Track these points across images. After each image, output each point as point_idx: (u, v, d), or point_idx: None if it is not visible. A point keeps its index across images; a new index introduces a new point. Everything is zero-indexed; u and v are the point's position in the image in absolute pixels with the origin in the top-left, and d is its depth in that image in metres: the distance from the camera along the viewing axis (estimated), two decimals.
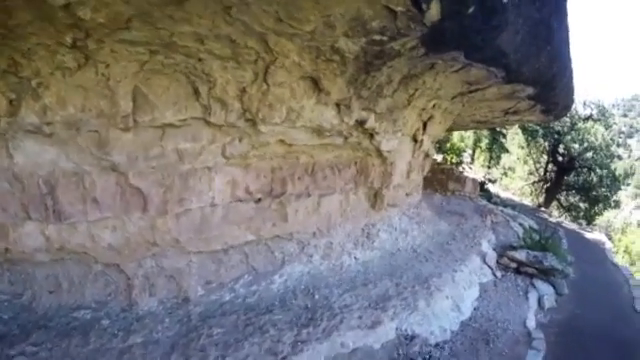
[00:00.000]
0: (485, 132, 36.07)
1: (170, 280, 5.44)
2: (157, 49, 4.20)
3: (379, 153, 8.28)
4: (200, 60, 4.48)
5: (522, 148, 28.54)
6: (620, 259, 23.50)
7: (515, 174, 31.26)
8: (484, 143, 39.70)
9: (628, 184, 29.36)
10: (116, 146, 4.56)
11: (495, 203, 20.63)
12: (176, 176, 5.07)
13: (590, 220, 25.82)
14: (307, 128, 6.04)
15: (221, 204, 5.73)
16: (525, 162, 28.92)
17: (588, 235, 18.70)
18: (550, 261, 10.27)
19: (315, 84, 5.56)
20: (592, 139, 24.53)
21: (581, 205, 26.69)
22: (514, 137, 29.56)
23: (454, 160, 36.31)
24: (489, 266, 10.05)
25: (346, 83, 5.68)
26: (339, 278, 7.10)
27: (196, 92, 4.79)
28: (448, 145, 38.02)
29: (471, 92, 8.30)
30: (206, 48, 4.28)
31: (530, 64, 6.57)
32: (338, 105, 6.09)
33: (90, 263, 5.02)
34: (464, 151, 50.37)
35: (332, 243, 7.50)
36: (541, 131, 25.20)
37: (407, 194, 10.91)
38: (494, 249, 11.38)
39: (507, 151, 32.37)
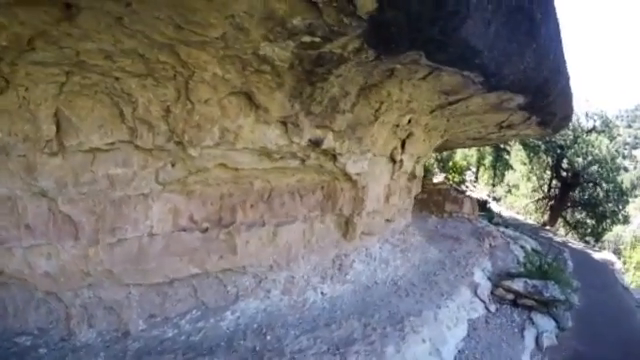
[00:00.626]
0: (489, 149, 35.34)
1: (110, 312, 5.04)
2: (71, 69, 3.89)
3: (347, 176, 7.37)
4: (117, 79, 4.10)
5: (524, 164, 27.36)
6: (631, 277, 22.13)
7: (519, 192, 29.99)
8: (488, 161, 38.88)
9: (636, 195, 27.88)
10: (44, 171, 4.27)
11: (496, 223, 19.46)
12: (108, 203, 4.67)
13: (598, 237, 24.47)
14: (251, 150, 5.37)
15: (161, 234, 5.21)
16: (528, 179, 27.71)
17: (596, 255, 17.41)
18: (551, 291, 9.09)
19: (250, 100, 4.88)
20: (596, 152, 23.33)
21: (588, 222, 25.36)
22: (517, 153, 28.39)
23: (456, 179, 35.40)
24: (481, 299, 8.90)
25: (288, 97, 4.98)
26: (300, 316, 6.28)
27: (121, 114, 4.39)
28: (450, 164, 37.18)
29: (451, 104, 7.29)
30: (118, 65, 3.92)
31: (513, 65, 5.57)
32: (284, 123, 5.35)
33: (31, 289, 4.72)
34: (468, 169, 49.61)
35: (294, 277, 6.75)
36: (543, 146, 24.06)
37: (388, 220, 9.86)
38: (489, 278, 10.23)
39: (511, 168, 31.22)
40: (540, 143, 23.99)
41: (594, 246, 22.58)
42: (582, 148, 23.49)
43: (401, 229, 11.22)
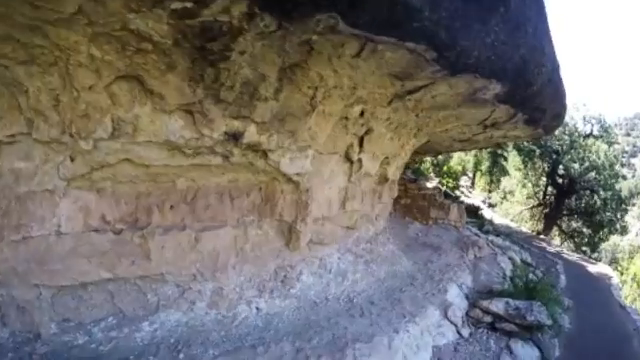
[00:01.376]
0: (486, 154, 34.05)
1: (23, 312, 4.66)
2: None
3: (288, 177, 6.27)
4: (7, 68, 3.76)
5: (519, 170, 25.98)
6: (628, 290, 20.68)
7: (514, 198, 28.59)
8: (485, 166, 37.58)
9: (633, 204, 26.37)
10: None
11: (487, 232, 18.14)
12: (13, 199, 4.31)
13: (594, 247, 23.01)
14: (157, 144, 4.69)
15: (70, 233, 4.75)
16: (523, 185, 26.31)
17: (592, 268, 15.96)
18: (536, 314, 7.72)
19: (143, 86, 4.25)
20: (594, 157, 21.88)
21: (584, 231, 23.89)
22: (514, 159, 27.03)
23: (450, 184, 34.13)
24: (452, 321, 7.53)
25: (186, 81, 4.26)
26: (225, 334, 5.44)
27: (19, 105, 4.03)
28: (445, 168, 35.92)
29: (411, 92, 6.01)
30: (2, 53, 3.62)
31: (474, 36, 4.28)
32: (190, 113, 4.59)
33: None
34: (464, 174, 48.25)
35: (222, 289, 5.89)
36: (538, 151, 22.68)
37: (350, 228, 8.57)
38: (467, 296, 8.88)
39: (507, 173, 29.88)
40: (535, 148, 22.62)
41: (590, 257, 21.12)
42: (579, 153, 22.07)
43: (369, 238, 9.95)
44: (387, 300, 7.49)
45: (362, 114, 6.64)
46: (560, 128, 22.64)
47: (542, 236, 22.19)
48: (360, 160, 7.79)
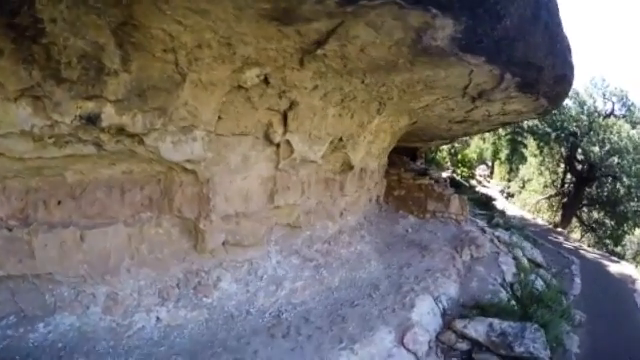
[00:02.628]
0: (505, 141, 31.59)
1: None
2: None
3: (183, 166, 5.02)
4: None
5: (535, 156, 23.41)
6: None
7: (531, 187, 26.01)
8: (504, 154, 35.04)
9: None
10: None
11: (495, 225, 15.99)
12: None
13: (617, 240, 20.26)
14: (17, 135, 3.86)
15: None
16: (540, 173, 23.71)
17: (613, 268, 13.50)
18: (528, 343, 5.69)
19: None
20: (615, 139, 19.10)
21: (606, 222, 21.13)
22: (532, 144, 24.45)
23: (465, 173, 31.85)
24: (410, 350, 5.51)
25: (20, 64, 3.40)
26: (114, 344, 4.68)
27: None
28: (459, 157, 33.60)
29: (320, 44, 4.08)
30: None
31: None
32: (37, 98, 3.68)
33: None
34: (483, 163, 45.57)
35: (117, 294, 5.11)
36: (553, 134, 20.10)
37: (293, 226, 7.04)
38: (444, 312, 6.88)
39: (525, 160, 27.32)
40: (549, 130, 20.07)
41: (613, 251, 18.52)
42: (598, 135, 19.39)
43: (327, 237, 8.14)
44: (328, 317, 5.72)
45: (266, 81, 4.95)
46: (577, 107, 20.05)
47: (559, 229, 19.72)
48: (288, 142, 6.02)
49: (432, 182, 13.92)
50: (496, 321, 6.08)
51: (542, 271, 10.99)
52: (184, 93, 4.36)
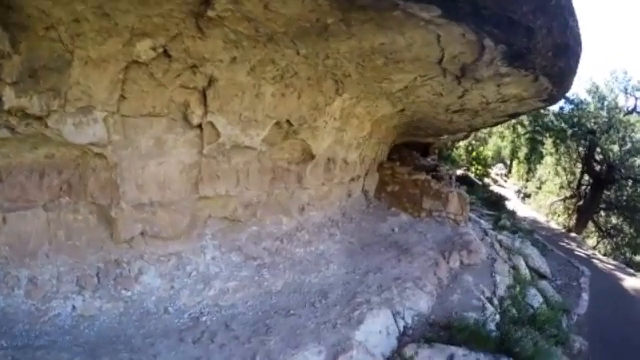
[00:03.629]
0: (524, 140, 30.18)
1: None
2: None
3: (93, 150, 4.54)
4: None
5: (551, 155, 21.51)
6: None
7: (546, 187, 24.08)
8: (522, 153, 33.20)
9: None
10: None
11: (502, 227, 14.49)
12: None
13: (637, 248, 18.26)
14: None
15: None
16: (556, 173, 21.77)
17: (628, 282, 11.67)
18: None
19: None
20: (638, 137, 17.08)
21: (625, 229, 19.11)
22: (547, 141, 22.53)
23: (479, 171, 30.10)
24: None
25: None
26: (29, 328, 4.30)
27: None
28: (473, 154, 31.83)
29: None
30: None
31: None
32: None
33: None
34: (501, 161, 43.49)
35: (37, 278, 4.71)
36: (569, 130, 18.19)
37: (231, 219, 6.10)
38: (403, 331, 5.55)
39: (542, 158, 25.42)
40: (566, 127, 18.19)
41: (629, 263, 16.57)
42: (619, 132, 17.38)
43: (281, 234, 7.04)
44: (252, 326, 4.84)
45: (167, 54, 4.26)
46: (596, 103, 18.07)
47: (573, 234, 17.88)
48: (212, 125, 5.15)
49: (429, 178, 12.46)
50: (460, 352, 4.73)
51: (544, 283, 9.47)
52: (75, 72, 3.90)
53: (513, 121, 37.47)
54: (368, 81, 6.07)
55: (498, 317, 6.52)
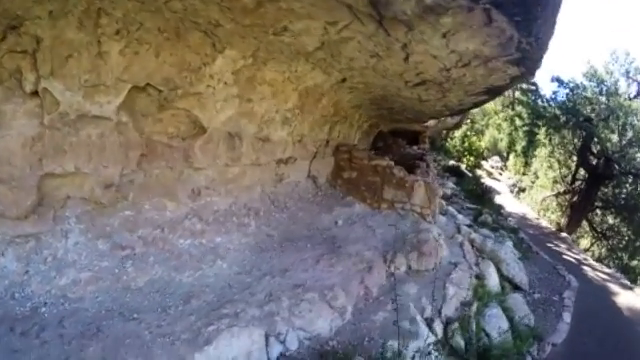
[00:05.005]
0: (522, 133, 27.49)
1: None
2: None
3: None
4: None
5: (544, 146, 19.09)
6: None
7: (539, 182, 21.70)
8: (520, 146, 31.00)
9: None
10: None
11: (482, 223, 12.38)
12: None
13: (634, 252, 15.76)
14: None
15: None
16: (550, 165, 19.33)
17: (622, 298, 9.15)
18: None
19: None
20: None
21: (622, 230, 16.57)
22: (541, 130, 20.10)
23: (470, 162, 28.06)
24: None
25: None
26: None
27: None
28: (465, 145, 29.75)
29: None
30: None
31: None
32: None
33: None
34: (498, 154, 41.05)
35: None
36: (563, 117, 15.76)
37: (95, 202, 4.79)
38: None
39: (535, 149, 23.13)
40: (559, 112, 15.78)
41: (625, 269, 14.17)
42: (619, 119, 14.83)
43: (165, 221, 5.46)
44: (82, 327, 3.93)
45: None
46: (594, 87, 15.56)
47: (564, 234, 15.51)
48: (48, 91, 4.01)
49: (391, 164, 10.24)
50: None
51: (517, 298, 7.29)
52: None
53: (511, 112, 35.50)
54: (255, 33, 4.54)
55: (433, 349, 4.32)
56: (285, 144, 7.96)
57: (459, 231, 10.05)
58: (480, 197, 16.34)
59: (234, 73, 5.34)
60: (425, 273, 6.89)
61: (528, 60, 5.65)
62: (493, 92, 8.06)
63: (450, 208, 12.97)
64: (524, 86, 36.86)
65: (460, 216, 12.15)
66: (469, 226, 11.15)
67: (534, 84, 18.30)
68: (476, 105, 10.82)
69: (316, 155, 9.72)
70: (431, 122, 17.65)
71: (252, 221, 6.87)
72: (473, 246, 9.27)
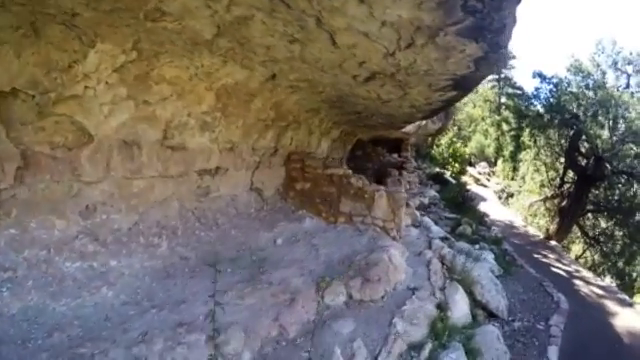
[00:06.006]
0: (509, 137, 26.50)
1: None
2: None
3: None
4: None
5: (529, 148, 17.59)
6: None
7: (525, 186, 20.19)
8: (507, 151, 29.50)
9: None
10: None
11: (460, 235, 10.89)
12: None
13: (630, 259, 14.10)
14: None
15: None
16: (536, 169, 17.79)
17: (621, 319, 7.31)
18: None
19: None
20: (632, 117, 13.00)
21: (617, 234, 14.93)
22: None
23: (455, 169, 26.78)
24: None
25: None
26: None
27: None
28: (450, 150, 28.53)
29: None
30: None
31: None
32: None
33: None
34: (486, 160, 39.65)
35: None
36: (546, 116, 14.26)
37: None
38: None
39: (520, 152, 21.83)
40: (542, 111, 14.31)
41: (621, 274, 12.55)
42: (609, 112, 13.15)
43: (52, 242, 4.45)
44: None
45: None
46: (579, 81, 14.07)
47: (553, 242, 13.88)
48: None
49: (349, 173, 8.79)
50: None
51: (490, 331, 5.67)
52: None
53: (497, 117, 34.35)
54: (125, 20, 3.72)
55: None
56: (209, 152, 6.64)
57: (430, 246, 8.54)
58: (461, 205, 14.79)
59: (117, 71, 4.39)
60: (370, 304, 5.36)
61: (486, 31, 4.31)
62: (462, 86, 6.73)
63: (426, 219, 11.43)
64: (510, 90, 35.94)
65: (435, 228, 10.62)
66: (444, 239, 9.63)
67: (520, 88, 17.03)
68: (448, 103, 9.37)
69: (259, 165, 8.28)
70: (410, 128, 16.26)
71: (164, 241, 5.57)
72: (444, 264, 7.71)
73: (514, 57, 36.23)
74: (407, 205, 11.81)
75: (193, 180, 6.51)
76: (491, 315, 6.37)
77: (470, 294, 6.63)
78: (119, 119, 4.76)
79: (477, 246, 10.13)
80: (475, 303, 6.45)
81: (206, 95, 5.68)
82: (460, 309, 5.85)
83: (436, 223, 11.54)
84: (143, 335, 3.73)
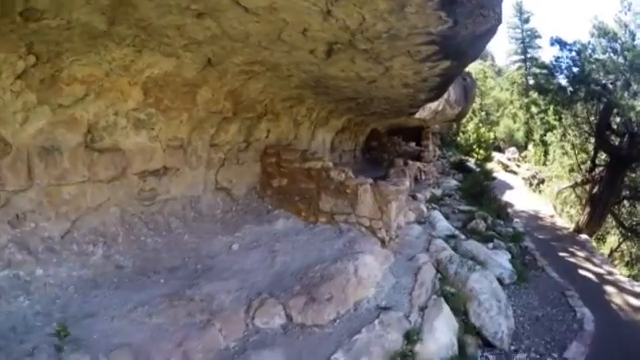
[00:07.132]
0: (539, 121, 24.08)
1: None
2: None
3: None
4: None
5: (554, 128, 15.52)
6: None
7: (552, 170, 18.09)
8: (538, 134, 26.92)
9: None
10: None
11: (472, 231, 9.46)
12: None
13: None
14: None
15: None
16: (564, 151, 15.67)
17: None
18: None
19: None
20: None
21: None
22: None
23: (480, 156, 24.95)
24: None
25: None
26: None
27: None
28: (473, 136, 26.68)
29: None
30: None
31: None
32: None
33: None
34: (516, 145, 37.06)
35: None
36: (569, 89, 12.19)
37: None
38: None
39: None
40: (565, 85, 12.29)
41: None
42: None
43: None
44: None
45: None
46: (606, 45, 11.90)
47: (583, 236, 11.85)
48: None
49: (329, 166, 7.53)
50: None
51: None
52: None
53: (525, 100, 31.89)
54: (5, 25, 3.35)
55: None
56: (150, 152, 5.78)
57: (427, 249, 7.26)
58: (479, 196, 13.04)
59: (20, 78, 4.09)
60: (314, 330, 4.08)
61: None
62: (452, 50, 5.61)
63: (435, 213, 10.00)
64: (537, 70, 33.36)
65: (443, 224, 9.21)
66: (450, 237, 8.22)
67: (546, 67, 15.11)
68: (447, 78, 8.23)
69: (224, 162, 7.16)
70: (424, 114, 14.93)
71: (99, 249, 4.99)
72: (439, 271, 6.34)
73: (539, 36, 34.09)
74: (414, 198, 10.46)
75: (133, 183, 5.68)
76: (486, 344, 4.89)
77: (464, 314, 5.19)
78: (36, 126, 4.47)
79: (490, 244, 8.63)
80: (466, 327, 4.99)
81: (131, 91, 5.09)
82: (439, 339, 4.40)
83: (447, 217, 10.11)
84: (33, 349, 3.24)
